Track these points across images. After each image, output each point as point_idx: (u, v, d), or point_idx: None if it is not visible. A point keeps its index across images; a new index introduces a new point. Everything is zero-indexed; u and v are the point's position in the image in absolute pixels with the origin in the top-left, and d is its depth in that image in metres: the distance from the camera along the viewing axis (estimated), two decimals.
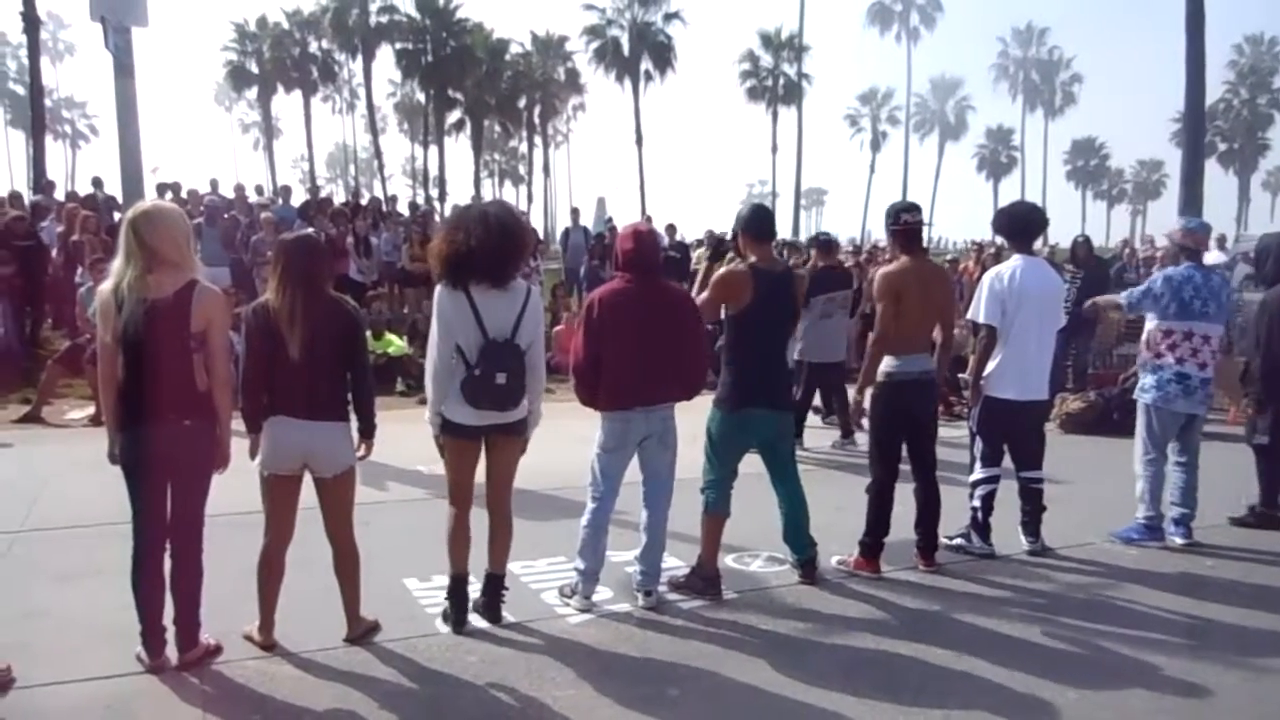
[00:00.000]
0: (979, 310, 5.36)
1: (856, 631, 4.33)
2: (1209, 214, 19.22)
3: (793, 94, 51.40)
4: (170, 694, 3.53)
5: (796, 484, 4.89)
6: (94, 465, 3.82)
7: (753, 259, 4.66)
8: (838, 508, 5.42)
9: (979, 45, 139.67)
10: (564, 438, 4.58)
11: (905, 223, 5.11)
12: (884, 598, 4.75)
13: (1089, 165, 73.91)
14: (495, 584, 4.27)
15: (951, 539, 5.41)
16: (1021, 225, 5.50)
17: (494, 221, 3.95)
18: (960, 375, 9.23)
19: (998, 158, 69.18)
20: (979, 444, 5.48)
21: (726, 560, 4.96)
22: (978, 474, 5.44)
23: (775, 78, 53.34)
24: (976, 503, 5.41)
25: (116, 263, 3.60)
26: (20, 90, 50.56)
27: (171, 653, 3.69)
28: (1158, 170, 75.07)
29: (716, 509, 4.69)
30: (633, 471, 4.53)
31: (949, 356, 5.52)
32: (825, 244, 8.93)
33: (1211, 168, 48.22)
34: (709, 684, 3.76)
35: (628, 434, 4.40)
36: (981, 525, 5.41)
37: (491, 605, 4.27)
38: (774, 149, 51.81)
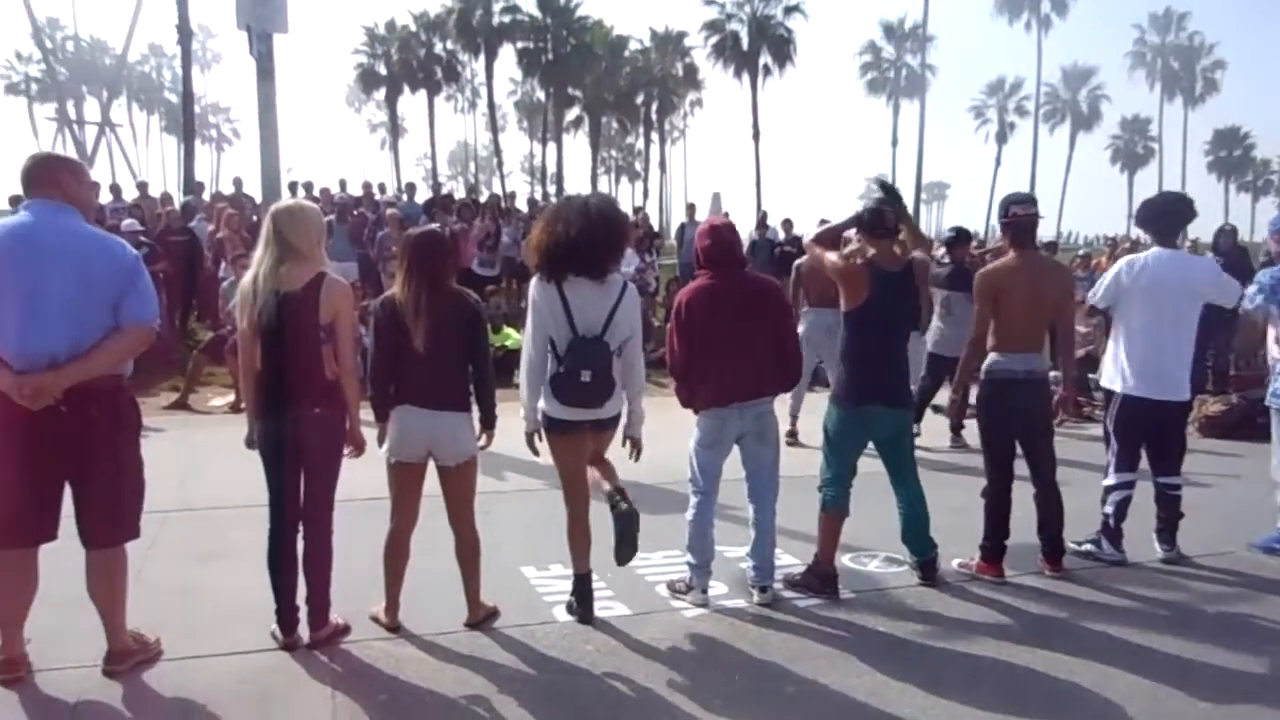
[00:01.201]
0: (1095, 292, 5.19)
1: (978, 636, 4.21)
2: None
3: (915, 86, 50.21)
4: (301, 671, 3.69)
5: (916, 483, 4.78)
6: (234, 450, 4.02)
7: (871, 253, 4.57)
8: (958, 509, 5.26)
9: (1114, 32, 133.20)
10: (678, 432, 4.58)
11: (1015, 215, 4.91)
12: (1007, 602, 4.60)
13: (1232, 156, 69.55)
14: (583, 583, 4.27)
15: (1080, 544, 5.19)
16: (1164, 215, 5.21)
17: (593, 212, 3.96)
18: (1090, 375, 8.85)
19: (1133, 149, 65.98)
20: (1113, 446, 5.23)
21: (843, 559, 4.88)
22: (1111, 479, 5.19)
23: (897, 69, 52.25)
24: (1109, 508, 5.17)
25: (256, 254, 3.80)
26: (173, 98, 53.68)
27: (304, 631, 3.86)
28: None
29: (835, 507, 4.62)
30: (737, 467, 4.50)
31: (1071, 356, 5.29)
32: (959, 237, 8.70)
33: None
34: (825, 683, 3.71)
35: (724, 430, 4.37)
36: (1113, 531, 5.17)
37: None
38: (894, 142, 50.77)
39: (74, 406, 3.27)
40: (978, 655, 4.00)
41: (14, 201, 3.43)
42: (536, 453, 4.11)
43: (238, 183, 16.53)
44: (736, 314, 4.26)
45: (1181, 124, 64.68)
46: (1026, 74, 59.94)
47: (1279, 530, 5.39)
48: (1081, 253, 16.42)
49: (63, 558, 3.48)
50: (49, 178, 3.41)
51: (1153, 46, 62.12)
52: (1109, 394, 5.22)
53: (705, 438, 4.40)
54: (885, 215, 4.56)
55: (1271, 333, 5.41)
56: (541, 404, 4.05)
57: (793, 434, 7.79)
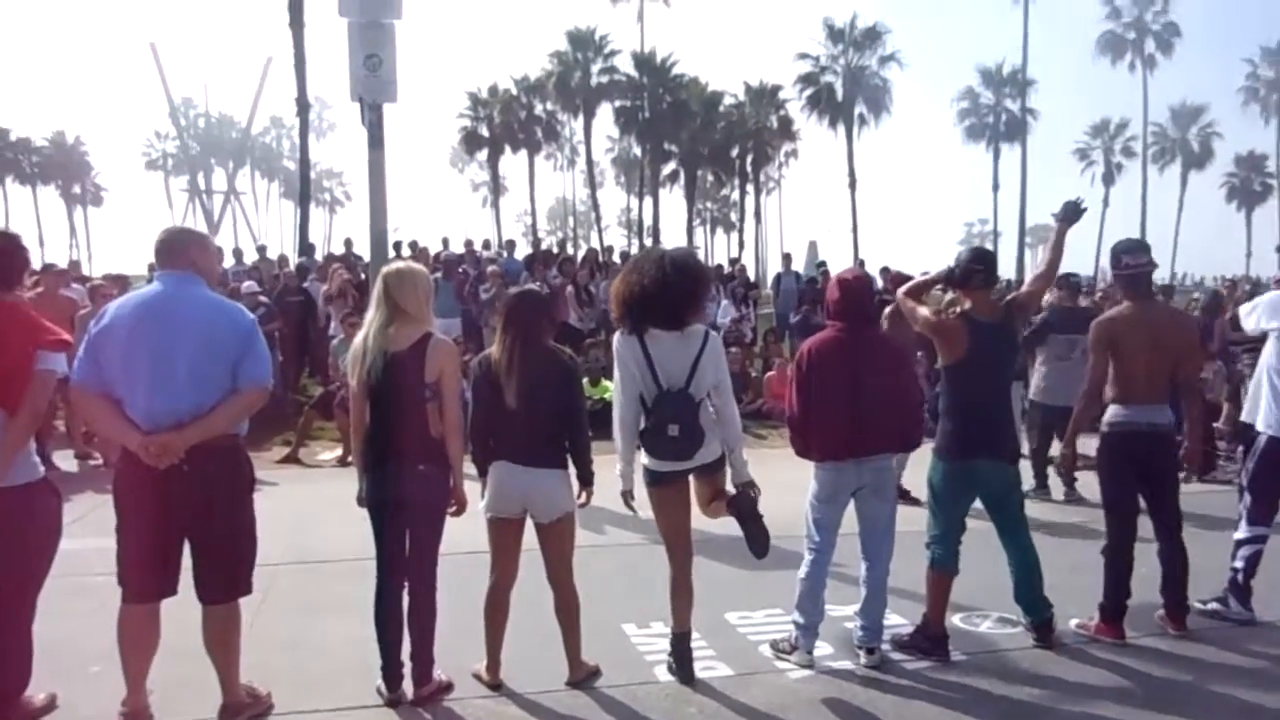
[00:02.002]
0: (1247, 321, 5.01)
1: (1098, 701, 3.99)
2: None
3: (1015, 130, 49.23)
4: None
5: (1028, 540, 4.60)
6: (343, 504, 4.14)
7: (967, 305, 4.46)
8: (1076, 566, 5.03)
9: (1223, 68, 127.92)
10: (777, 485, 4.51)
11: (1127, 266, 4.75)
12: (1129, 665, 4.36)
13: None
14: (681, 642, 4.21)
15: (1206, 604, 4.89)
16: None
17: (669, 264, 3.96)
18: (1215, 425, 8.41)
19: (1250, 186, 62.82)
20: (1247, 499, 4.93)
21: (954, 620, 4.70)
22: (1243, 532, 4.90)
23: (997, 114, 51.34)
24: (1239, 563, 4.87)
25: (368, 314, 3.94)
26: (291, 165, 56.52)
27: (408, 687, 3.90)
28: None
29: (943, 566, 4.47)
30: (850, 523, 4.40)
31: (1197, 406, 5.03)
32: (1070, 284, 8.46)
33: None
34: None
35: (840, 484, 4.29)
36: (1242, 588, 4.86)
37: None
38: (995, 187, 49.83)
39: (195, 465, 3.42)
40: (1099, 719, 3.78)
41: (151, 269, 3.71)
42: (634, 511, 4.09)
43: (348, 243, 17.24)
44: (861, 368, 4.21)
45: None
46: (1132, 114, 57.91)
47: None
48: (1194, 296, 15.65)
49: (183, 612, 3.61)
50: (179, 250, 3.62)
51: (1266, 81, 59.45)
52: (1248, 440, 4.93)
53: (821, 491, 4.34)
54: (975, 272, 4.45)
55: None
56: (642, 458, 4.05)
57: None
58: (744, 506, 4.03)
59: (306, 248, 20.76)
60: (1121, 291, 4.82)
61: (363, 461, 3.92)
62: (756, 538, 4.02)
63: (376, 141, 8.72)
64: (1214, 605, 4.90)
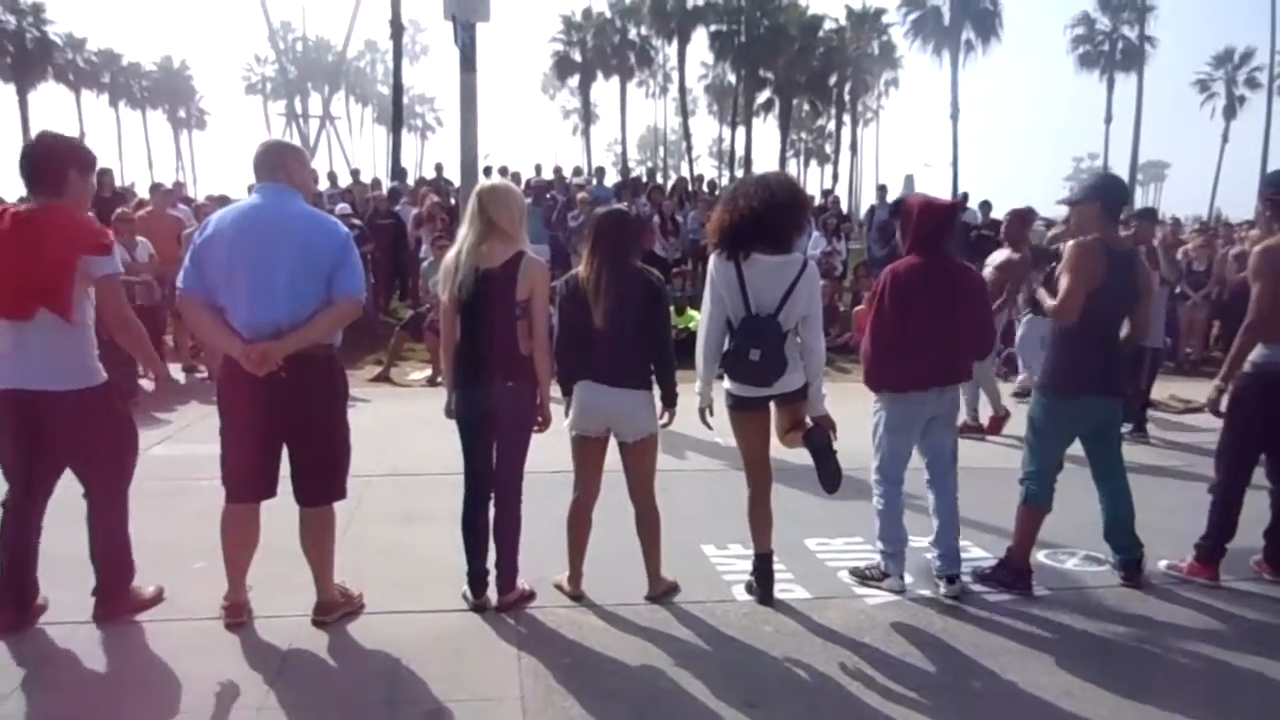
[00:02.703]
0: None
1: (1185, 641, 3.92)
2: None
3: (1132, 58, 46.70)
4: (490, 632, 3.86)
5: (1123, 478, 4.48)
6: (432, 421, 4.25)
7: (1097, 234, 4.26)
8: (1170, 509, 4.89)
9: None
10: (859, 418, 4.47)
11: None
12: (1220, 607, 4.25)
13: None
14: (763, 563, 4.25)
15: None
16: None
17: (774, 184, 3.95)
18: None
19: None
20: None
21: (1038, 555, 4.62)
22: None
23: (1113, 41, 48.71)
24: None
25: (460, 231, 3.98)
26: (385, 90, 57.19)
27: (492, 594, 4.04)
28: None
29: (1038, 502, 4.38)
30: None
31: None
32: (1147, 217, 8.10)
33: None
34: (1014, 680, 3.54)
35: (918, 414, 4.26)
36: None
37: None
38: (1108, 119, 47.65)
39: (293, 373, 3.54)
40: (1183, 662, 3.72)
41: (250, 190, 3.78)
42: (710, 428, 4.11)
43: (439, 168, 17.44)
44: (944, 295, 4.15)
45: None
46: (1259, 43, 54.25)
47: None
48: None
49: (282, 514, 3.79)
50: (275, 163, 3.71)
51: None
52: None
53: (897, 421, 4.29)
54: (1124, 190, 4.36)
55: None
56: (726, 382, 4.05)
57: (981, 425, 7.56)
58: (818, 440, 4.01)
59: (398, 172, 21.05)
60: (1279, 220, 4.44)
61: (452, 376, 4.01)
62: (829, 472, 4.01)
63: (469, 63, 8.75)
64: None
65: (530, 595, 4.13)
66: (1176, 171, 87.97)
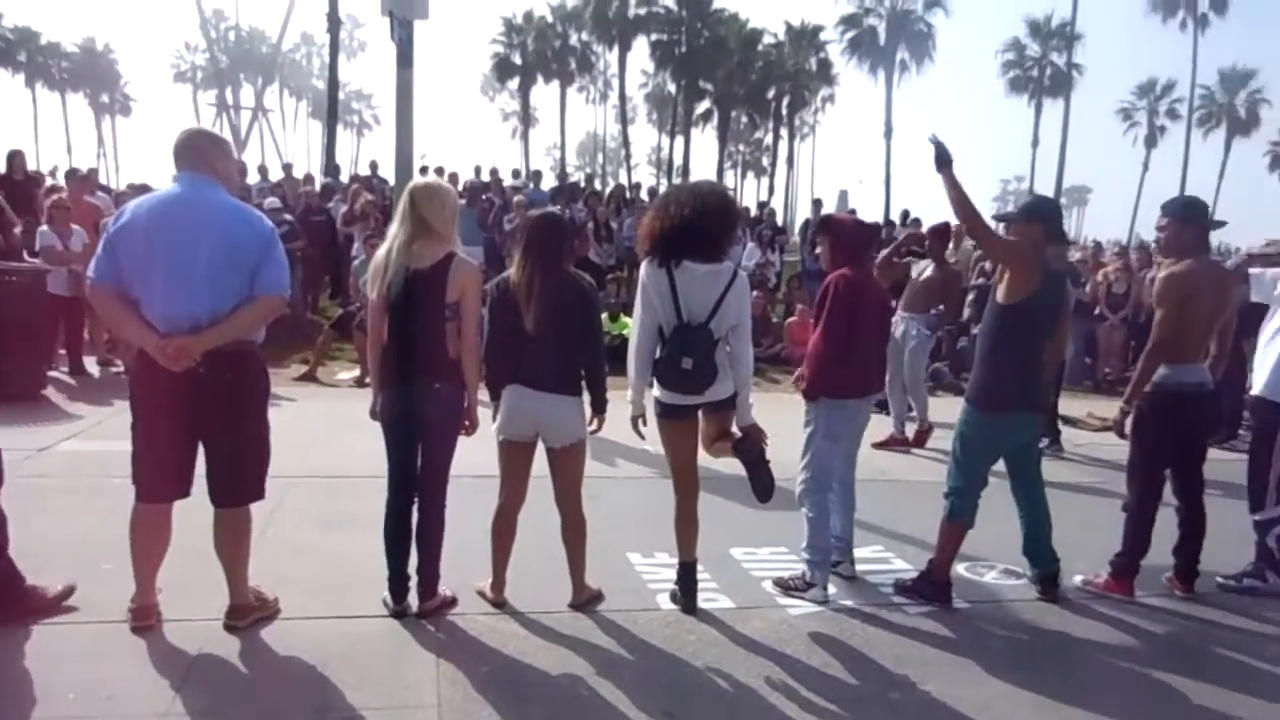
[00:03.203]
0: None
1: (1102, 654, 4.01)
2: None
3: (1060, 85, 48.14)
4: (409, 638, 3.78)
5: (1042, 494, 4.58)
6: (358, 422, 4.16)
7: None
8: (1086, 524, 5.02)
9: (1277, 31, 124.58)
10: (790, 429, 4.50)
11: (1208, 222, 4.66)
12: (1133, 623, 4.36)
13: None
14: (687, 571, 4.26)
15: (1239, 580, 4.82)
16: None
17: (706, 192, 3.98)
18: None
19: None
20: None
21: (958, 568, 4.70)
22: None
23: (1042, 68, 50.16)
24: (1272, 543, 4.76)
25: (391, 229, 3.91)
26: (320, 85, 56.19)
27: (413, 600, 3.96)
28: None
29: (961, 517, 4.44)
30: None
31: (1222, 368, 4.93)
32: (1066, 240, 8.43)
33: None
34: (931, 691, 3.59)
35: (855, 421, 4.46)
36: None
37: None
38: (1035, 143, 48.81)
39: (211, 369, 3.43)
40: (1100, 675, 3.81)
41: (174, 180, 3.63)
42: (642, 436, 4.10)
43: (373, 166, 17.17)
44: (876, 306, 4.43)
45: None
46: (1179, 75, 56.37)
47: None
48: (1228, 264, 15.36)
49: (195, 514, 3.66)
50: (197, 152, 3.58)
51: None
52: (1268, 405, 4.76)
53: (837, 429, 4.42)
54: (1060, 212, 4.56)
55: None
56: (655, 390, 4.05)
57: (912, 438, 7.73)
58: (749, 450, 4.03)
59: (332, 169, 20.65)
60: (1193, 248, 4.56)
61: (379, 377, 3.93)
62: (761, 481, 4.02)
63: (406, 60, 8.60)
64: (1249, 582, 4.81)
65: (452, 601, 4.05)
66: (1098, 196, 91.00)
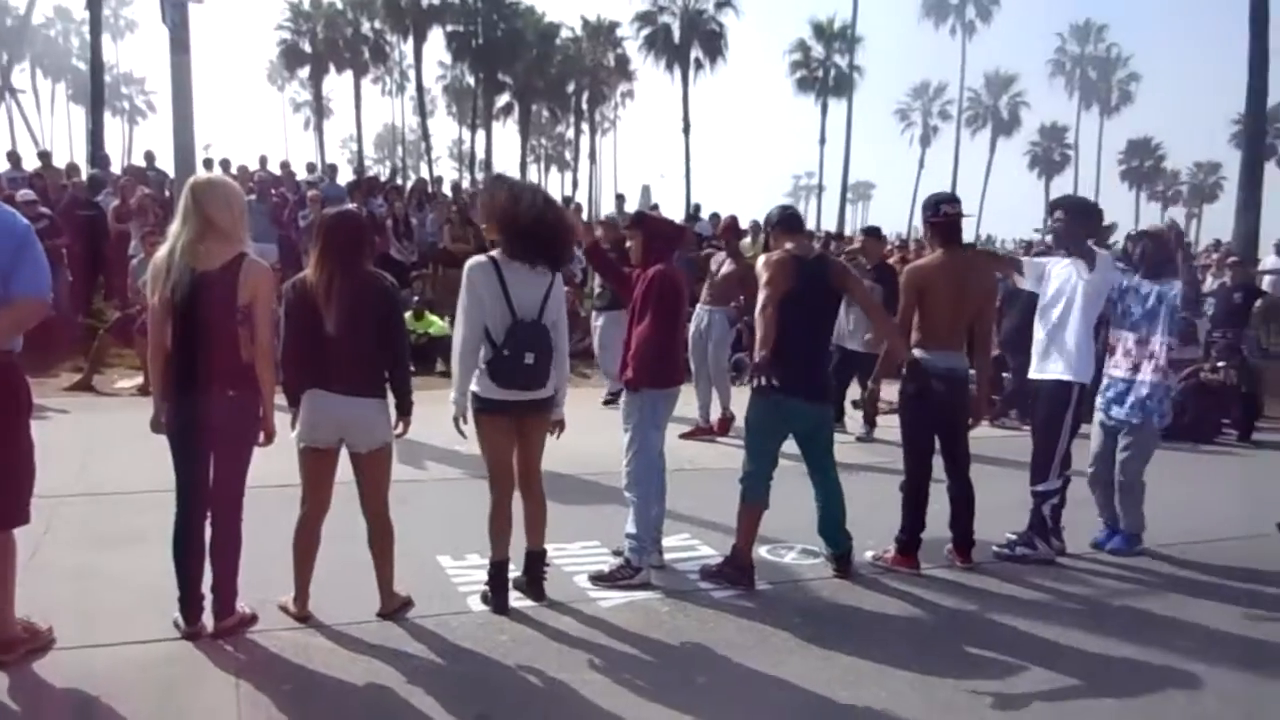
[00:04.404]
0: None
1: (891, 628, 4.30)
2: (1267, 218, 18.60)
3: (843, 86, 50.89)
4: (205, 660, 3.58)
5: (834, 477, 4.86)
6: (140, 434, 3.88)
7: (789, 245, 4.66)
8: (874, 504, 5.34)
9: (1036, 40, 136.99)
10: (597, 423, 4.58)
11: (945, 214, 5.02)
12: (920, 595, 4.70)
13: (1144, 166, 71.98)
14: (537, 561, 4.32)
15: (1011, 548, 5.25)
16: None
17: (548, 206, 4.13)
18: (1005, 375, 9.09)
19: (1050, 155, 67.76)
20: (1063, 446, 5.18)
21: (760, 551, 4.93)
22: (1058, 481, 5.24)
23: (826, 69, 52.83)
24: (1049, 510, 5.23)
25: (173, 227, 3.66)
26: (82, 66, 51.41)
27: (208, 620, 3.75)
28: (1215, 173, 72.72)
29: (754, 499, 4.65)
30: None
31: (988, 356, 5.40)
32: (873, 234, 9.01)
33: (1271, 171, 46.66)
34: (738, 673, 3.74)
35: (670, 407, 4.70)
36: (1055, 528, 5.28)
37: (535, 582, 4.31)
38: (822, 141, 51.32)
39: None
40: (890, 646, 4.06)
41: None
42: (464, 435, 4.07)
43: (149, 157, 15.94)
44: (684, 300, 4.81)
45: (1097, 133, 66.72)
46: (951, 78, 61.15)
47: (1107, 530, 5.61)
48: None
49: None
50: None
51: (1072, 56, 63.91)
52: (1063, 390, 5.14)
53: (662, 417, 4.66)
54: (793, 215, 4.91)
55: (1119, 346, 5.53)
56: (474, 386, 4.01)
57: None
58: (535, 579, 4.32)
59: (100, 158, 18.97)
60: (938, 240, 5.03)
61: (162, 386, 3.68)
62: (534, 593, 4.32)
63: (180, 45, 8.00)
64: (1020, 550, 5.23)
65: (251, 619, 3.86)
66: (881, 191, 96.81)
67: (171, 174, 10.65)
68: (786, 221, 4.82)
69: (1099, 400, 5.57)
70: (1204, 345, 8.16)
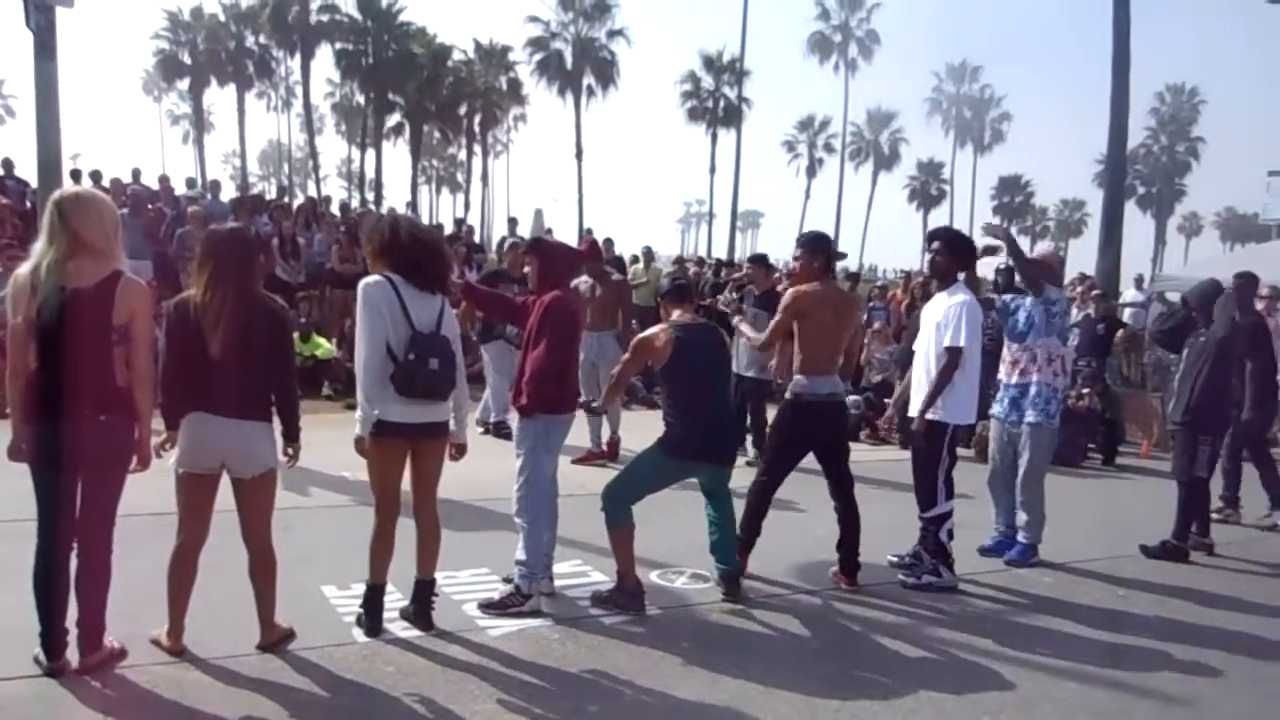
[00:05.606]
0: (959, 336, 5.25)
1: (777, 651, 4.37)
2: (1127, 254, 19.78)
3: (732, 117, 51.96)
4: (69, 697, 3.40)
5: (729, 505, 4.95)
6: None
7: (675, 315, 4.88)
8: (767, 528, 5.42)
9: (915, 79, 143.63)
10: (486, 448, 4.54)
11: (831, 253, 5.38)
12: (808, 618, 4.80)
13: (1014, 201, 75.71)
14: (426, 590, 4.23)
15: (919, 577, 5.31)
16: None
17: (428, 229, 4.27)
18: (887, 400, 9.39)
19: (928, 190, 70.54)
20: (944, 474, 5.31)
21: (650, 576, 4.97)
22: (948, 505, 5.32)
23: (716, 100, 53.87)
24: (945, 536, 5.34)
25: (38, 245, 3.49)
26: None
27: (73, 656, 3.55)
28: (1079, 209, 77.31)
29: (620, 523, 4.70)
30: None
31: (856, 378, 5.70)
32: (760, 262, 9.22)
33: (1130, 210, 49.72)
34: (628, 700, 3.75)
35: (564, 435, 4.70)
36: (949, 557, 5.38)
37: (422, 612, 4.23)
38: (712, 170, 52.25)
39: None
40: (777, 671, 4.09)
41: None
42: (365, 455, 4.00)
43: (8, 164, 14.99)
44: (579, 326, 4.82)
45: (971, 169, 69.91)
46: (835, 113, 63.16)
47: (999, 538, 6.05)
48: (878, 284, 17.35)
49: None
50: None
51: (948, 95, 66.79)
52: (939, 427, 5.29)
53: (555, 442, 4.63)
54: (679, 287, 5.18)
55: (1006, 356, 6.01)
56: (375, 410, 3.95)
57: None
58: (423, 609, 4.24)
59: None
60: (818, 272, 5.20)
61: (24, 410, 3.48)
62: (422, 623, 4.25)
63: (46, 49, 7.61)
64: (928, 578, 5.31)
65: (121, 653, 3.67)
66: (770, 220, 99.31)
67: (33, 184, 10.12)
68: (674, 293, 5.07)
69: (995, 408, 6.02)
70: (1069, 374, 8.61)
